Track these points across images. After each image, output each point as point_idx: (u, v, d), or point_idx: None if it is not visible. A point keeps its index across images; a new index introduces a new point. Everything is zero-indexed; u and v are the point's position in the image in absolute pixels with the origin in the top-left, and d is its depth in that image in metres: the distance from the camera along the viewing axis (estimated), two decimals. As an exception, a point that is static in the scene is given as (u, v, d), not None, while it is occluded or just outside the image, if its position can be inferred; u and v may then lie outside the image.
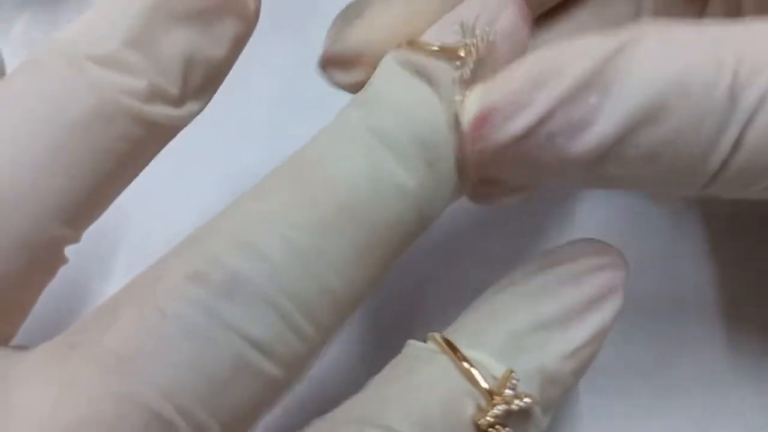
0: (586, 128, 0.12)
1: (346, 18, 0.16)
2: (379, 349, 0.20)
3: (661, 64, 0.12)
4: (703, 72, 0.12)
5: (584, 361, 0.15)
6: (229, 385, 0.13)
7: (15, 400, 0.12)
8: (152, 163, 0.16)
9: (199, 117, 0.16)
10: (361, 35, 0.15)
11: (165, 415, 0.12)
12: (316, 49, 0.16)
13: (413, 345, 0.15)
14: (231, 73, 0.16)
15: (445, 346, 0.14)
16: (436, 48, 0.14)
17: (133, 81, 0.14)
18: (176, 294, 0.13)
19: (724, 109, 0.12)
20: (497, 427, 0.14)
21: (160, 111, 0.15)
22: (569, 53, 0.13)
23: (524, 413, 0.14)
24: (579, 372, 0.15)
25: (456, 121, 0.13)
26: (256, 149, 0.24)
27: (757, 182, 0.13)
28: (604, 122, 0.12)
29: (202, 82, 0.15)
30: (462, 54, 0.14)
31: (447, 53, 0.14)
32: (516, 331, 0.15)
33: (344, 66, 0.15)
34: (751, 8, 0.17)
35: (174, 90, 0.15)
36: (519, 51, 0.15)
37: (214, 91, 0.16)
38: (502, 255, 0.22)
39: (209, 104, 0.16)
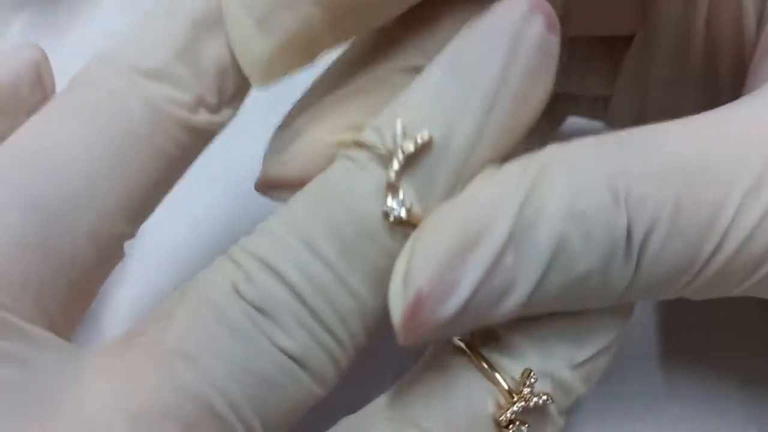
0: (507, 292, 0.13)
1: (282, 138, 0.17)
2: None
3: (565, 207, 0.13)
4: (604, 210, 0.13)
5: (593, 372, 0.16)
6: (273, 388, 0.14)
7: (81, 392, 0.13)
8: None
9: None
10: (303, 157, 0.16)
11: (219, 409, 0.13)
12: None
13: (435, 348, 0.16)
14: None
15: (466, 348, 0.15)
16: (364, 149, 0.15)
17: (181, 93, 0.16)
18: (226, 301, 0.14)
19: (623, 243, 0.13)
20: (517, 423, 0.15)
21: (204, 119, 0.16)
22: (485, 211, 0.13)
23: (541, 411, 0.15)
24: (588, 380, 0.16)
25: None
26: (254, 150, 0.25)
27: (659, 293, 0.14)
28: (521, 282, 0.13)
29: (235, 89, 0.17)
30: (389, 156, 0.14)
31: (374, 155, 0.15)
32: (532, 338, 0.15)
33: (288, 188, 0.16)
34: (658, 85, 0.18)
35: (213, 99, 0.16)
36: (549, 62, 0.15)
37: (245, 96, 0.17)
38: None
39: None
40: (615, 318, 0.16)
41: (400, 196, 0.14)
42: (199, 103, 0.16)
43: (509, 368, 0.15)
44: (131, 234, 0.16)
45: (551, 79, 0.15)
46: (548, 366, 0.15)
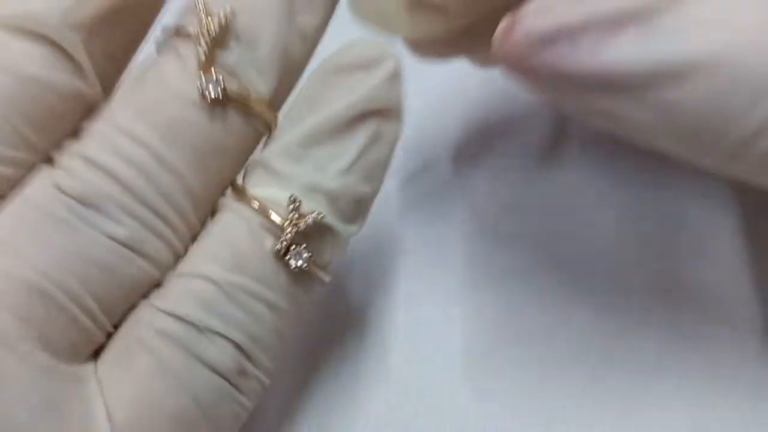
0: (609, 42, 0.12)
1: None
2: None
3: (711, 29, 0.12)
4: (751, 45, 0.12)
5: (374, 167, 0.16)
6: (107, 271, 0.14)
7: None
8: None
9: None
10: None
11: (49, 293, 0.14)
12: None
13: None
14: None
15: (233, 193, 0.16)
16: (174, 34, 0.15)
17: (46, 50, 0.15)
18: (47, 199, 0.14)
19: (760, 86, 0.12)
20: (293, 248, 0.15)
21: (72, 85, 0.15)
22: None
23: (319, 229, 0.16)
24: (373, 176, 0.16)
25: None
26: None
27: None
28: (628, 49, 0.12)
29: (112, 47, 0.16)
30: (197, 36, 0.15)
31: (184, 35, 0.15)
32: (292, 160, 0.16)
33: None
34: None
35: (83, 64, 0.15)
36: None
37: (128, 60, 0.17)
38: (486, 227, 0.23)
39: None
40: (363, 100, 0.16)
41: (214, 75, 0.15)
42: (71, 66, 0.15)
43: (278, 198, 0.15)
44: None
45: None
46: (314, 182, 0.15)
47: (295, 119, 0.16)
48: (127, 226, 0.14)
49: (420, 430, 0.19)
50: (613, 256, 0.22)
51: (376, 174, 0.16)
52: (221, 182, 0.16)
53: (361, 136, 0.16)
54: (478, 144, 0.25)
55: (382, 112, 0.16)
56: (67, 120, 0.15)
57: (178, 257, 0.15)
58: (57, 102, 0.15)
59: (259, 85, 0.15)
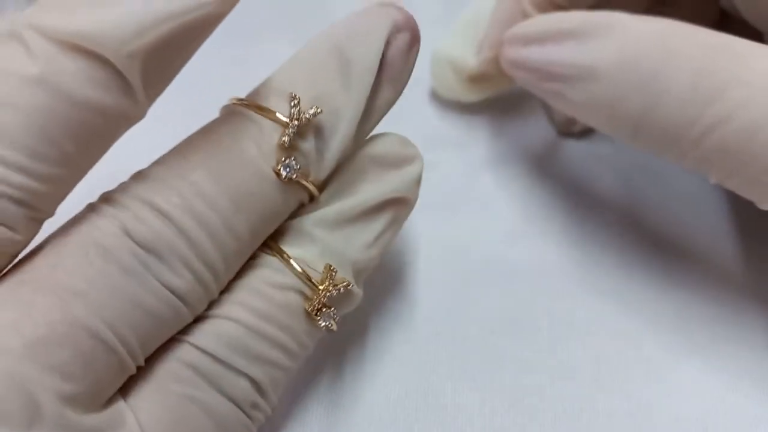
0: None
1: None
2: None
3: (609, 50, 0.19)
4: (627, 62, 0.19)
5: (385, 245, 0.19)
6: (158, 322, 0.15)
7: None
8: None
9: (199, 115, 0.18)
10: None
11: (109, 342, 0.15)
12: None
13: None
14: (236, 71, 0.18)
15: (274, 252, 0.17)
16: (264, 111, 0.17)
17: (95, 71, 0.15)
18: (115, 242, 0.15)
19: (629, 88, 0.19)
20: (324, 309, 0.17)
21: (120, 104, 0.15)
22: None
23: (345, 294, 0.18)
24: (382, 252, 0.19)
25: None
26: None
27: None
28: (564, 53, 0.20)
29: (156, 75, 0.16)
30: (283, 123, 0.17)
31: (272, 118, 0.17)
32: (331, 231, 0.18)
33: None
34: None
35: (134, 83, 0.15)
36: (407, 68, 0.19)
37: (164, 85, 0.16)
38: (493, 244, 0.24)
39: (210, 103, 0.18)
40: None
41: (293, 158, 0.16)
42: (123, 87, 0.15)
43: (307, 258, 0.18)
44: (49, 213, 0.16)
45: (406, 80, 0.19)
46: (346, 254, 0.18)
47: (334, 197, 0.18)
48: (183, 278, 0.15)
49: (422, 430, 0.21)
50: (616, 257, 0.24)
51: (385, 250, 0.19)
52: (263, 239, 0.17)
53: (383, 219, 0.19)
54: (484, 145, 0.27)
55: (401, 201, 0.19)
56: (110, 138, 0.16)
57: (212, 303, 0.17)
58: (103, 122, 0.15)
59: (320, 170, 0.17)
